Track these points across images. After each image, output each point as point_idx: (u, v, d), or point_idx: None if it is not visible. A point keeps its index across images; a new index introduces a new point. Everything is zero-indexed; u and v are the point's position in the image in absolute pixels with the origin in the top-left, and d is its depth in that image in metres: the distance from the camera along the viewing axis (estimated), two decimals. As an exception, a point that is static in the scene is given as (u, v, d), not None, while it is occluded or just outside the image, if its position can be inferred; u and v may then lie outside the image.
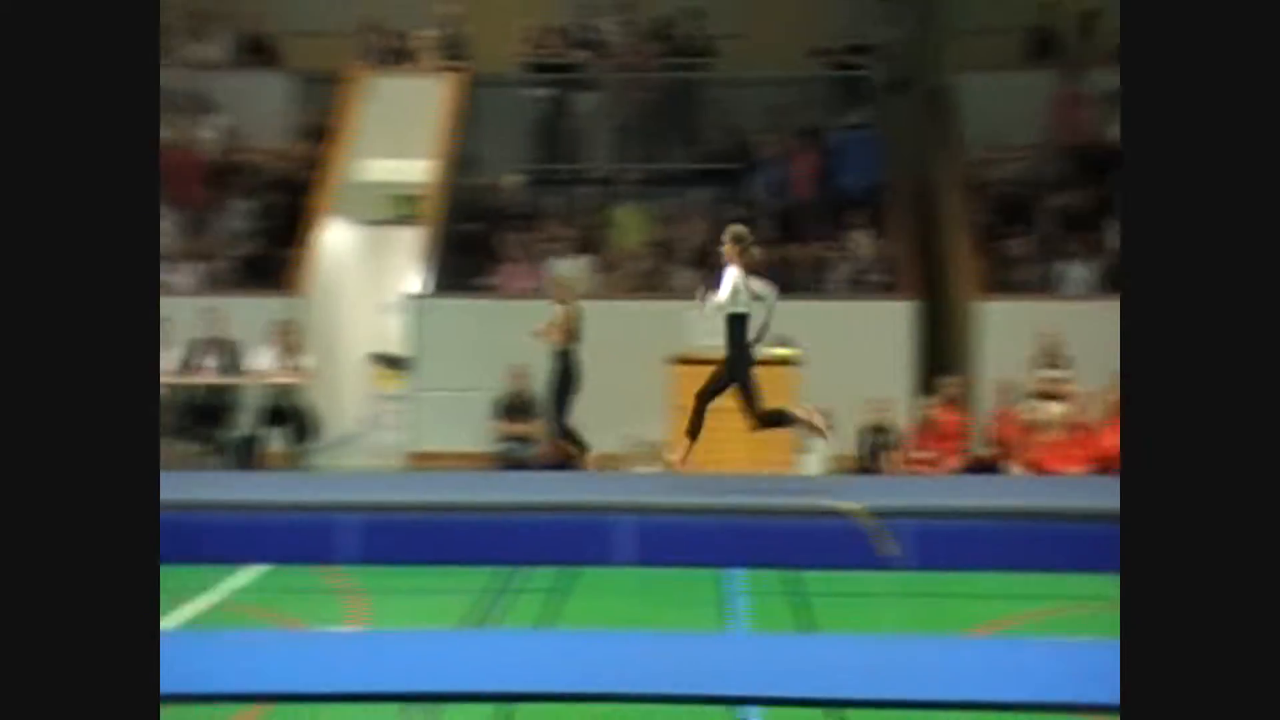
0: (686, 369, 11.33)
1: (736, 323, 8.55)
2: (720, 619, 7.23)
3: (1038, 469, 11.15)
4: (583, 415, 10.56)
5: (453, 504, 8.80)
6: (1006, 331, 12.42)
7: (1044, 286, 13.16)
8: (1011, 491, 9.36)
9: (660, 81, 15.34)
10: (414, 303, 13.07)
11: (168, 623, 6.97)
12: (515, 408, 12.20)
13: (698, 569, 8.08)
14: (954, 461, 11.36)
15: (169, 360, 12.03)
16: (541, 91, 15.31)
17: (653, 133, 15.32)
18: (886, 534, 7.85)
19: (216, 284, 13.26)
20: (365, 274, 15.42)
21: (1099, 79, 14.01)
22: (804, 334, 11.50)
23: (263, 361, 12.09)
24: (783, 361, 11.15)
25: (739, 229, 8.73)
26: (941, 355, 13.22)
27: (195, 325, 12.20)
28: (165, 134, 14.62)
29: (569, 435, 10.78)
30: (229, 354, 12.20)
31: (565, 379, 10.96)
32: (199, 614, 7.25)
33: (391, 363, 14.20)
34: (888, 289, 13.29)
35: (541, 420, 11.88)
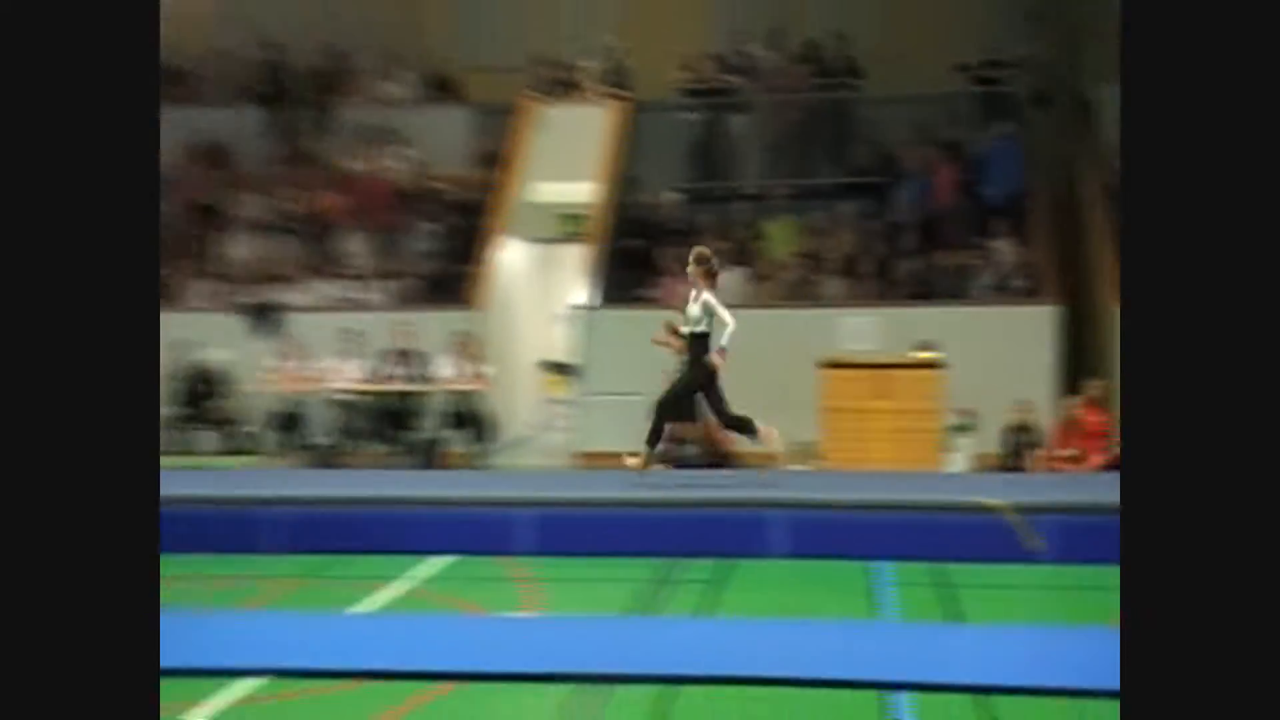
0: (836, 372, 11.27)
1: (698, 341, 8.61)
2: (870, 609, 7.16)
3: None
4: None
5: (618, 500, 8.92)
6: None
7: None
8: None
9: (809, 101, 15.28)
10: (581, 314, 13.25)
11: (365, 606, 7.22)
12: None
13: (848, 562, 8.02)
14: (1096, 460, 11.04)
15: (363, 370, 12.44)
16: (697, 115, 15.39)
17: (802, 150, 15.27)
18: (1031, 529, 7.69)
19: (405, 300, 13.66)
20: (537, 288, 15.70)
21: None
22: (949, 338, 11.32)
23: (446, 370, 12.40)
24: (928, 365, 10.99)
25: (702, 250, 8.83)
26: (1084, 358, 12.86)
27: (386, 338, 12.58)
28: (359, 165, 15.19)
29: (737, 424, 10.97)
30: (416, 363, 12.55)
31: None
32: (393, 599, 7.45)
33: (561, 370, 14.42)
34: (1031, 294, 12.98)
35: (697, 423, 11.96)
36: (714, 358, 8.68)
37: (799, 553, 8.23)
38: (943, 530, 8.08)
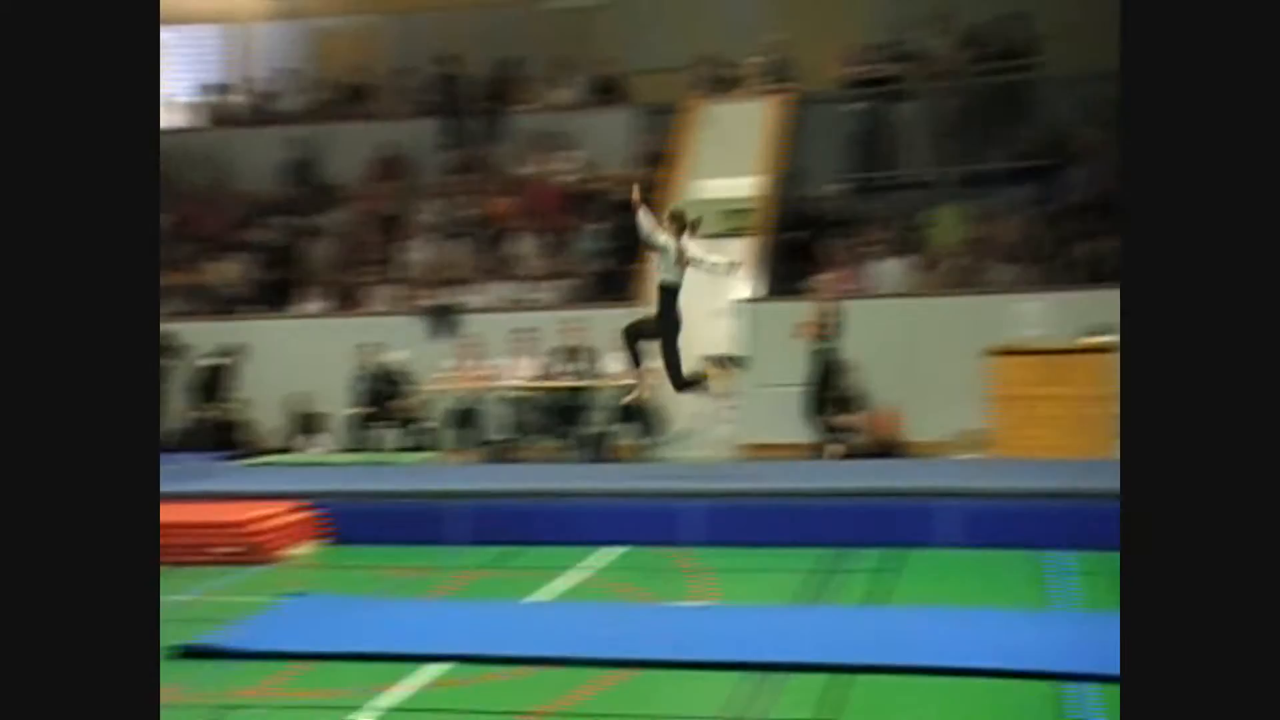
0: (1005, 359, 11.02)
1: (666, 293, 8.85)
2: (1042, 599, 6.99)
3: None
4: (905, 405, 10.41)
5: (785, 490, 8.91)
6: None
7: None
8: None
9: (976, 86, 14.93)
10: (746, 307, 13.24)
11: (542, 594, 7.38)
12: (841, 400, 12.20)
13: (1020, 551, 7.84)
14: None
15: (535, 367, 12.69)
16: (861, 105, 15.20)
17: (969, 135, 14.93)
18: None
19: (574, 299, 13.87)
20: (702, 282, 15.71)
21: None
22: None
23: (614, 366, 12.55)
24: (1101, 350, 10.64)
25: (677, 209, 9.14)
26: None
27: (557, 336, 12.81)
28: (530, 169, 15.50)
29: (834, 430, 11.18)
30: (585, 360, 12.74)
31: (826, 374, 11.22)
32: (570, 588, 7.60)
33: (726, 362, 14.41)
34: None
35: (853, 413, 11.93)
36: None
37: (970, 542, 8.08)
38: (1116, 519, 7.82)
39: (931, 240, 13.92)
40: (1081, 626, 6.24)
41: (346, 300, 14.63)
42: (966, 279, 13.30)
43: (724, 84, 15.62)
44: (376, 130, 16.33)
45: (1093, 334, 11.11)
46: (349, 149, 16.29)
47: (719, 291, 15.16)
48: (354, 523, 9.21)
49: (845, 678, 5.42)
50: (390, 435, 13.12)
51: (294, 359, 13.71)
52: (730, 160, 14.73)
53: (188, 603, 7.48)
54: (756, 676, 5.48)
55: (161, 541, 8.73)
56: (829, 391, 11.65)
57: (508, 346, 12.87)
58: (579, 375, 12.69)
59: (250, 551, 8.46)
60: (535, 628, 6.56)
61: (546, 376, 12.72)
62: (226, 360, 13.57)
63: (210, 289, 14.95)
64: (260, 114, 17.26)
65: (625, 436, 12.65)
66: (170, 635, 6.30)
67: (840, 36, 15.69)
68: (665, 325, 8.92)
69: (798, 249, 14.03)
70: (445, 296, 14.02)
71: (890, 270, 13.42)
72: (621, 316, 13.00)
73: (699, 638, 6.10)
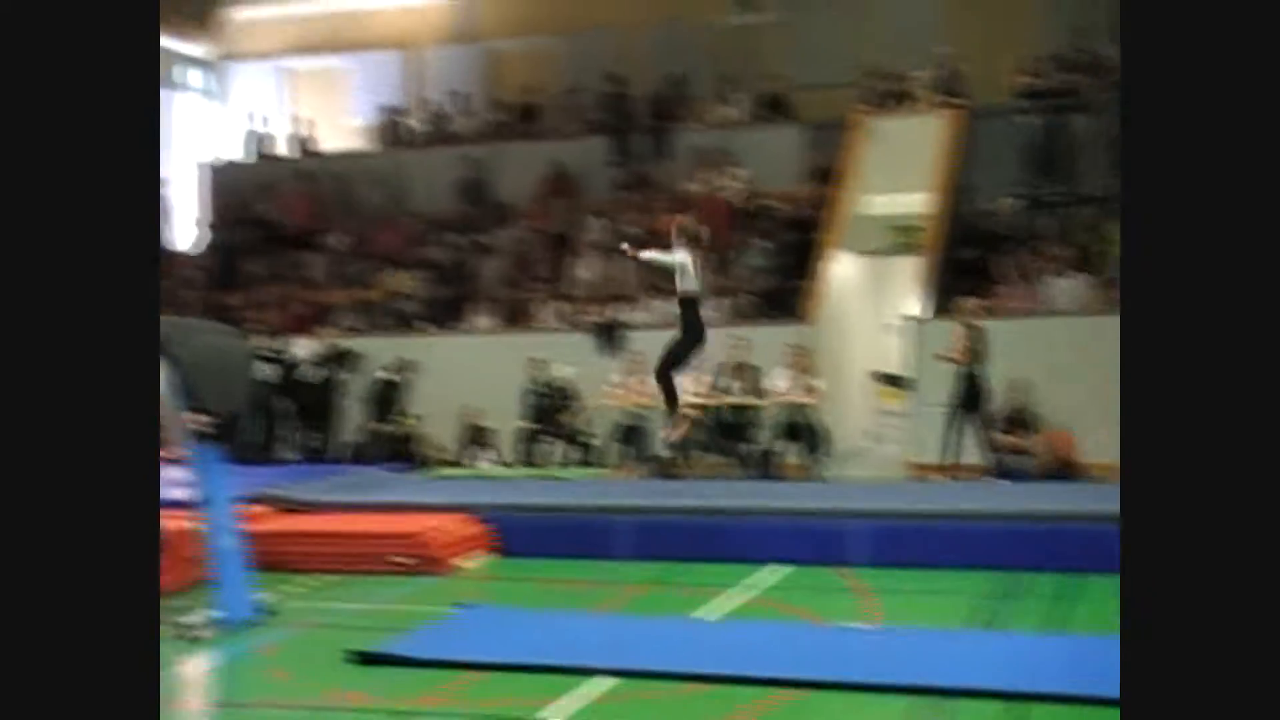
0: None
1: (688, 304, 8.78)
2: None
3: None
4: (1080, 426, 10.10)
5: (956, 512, 8.72)
6: None
7: None
8: None
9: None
10: (914, 325, 13.04)
11: (707, 613, 7.39)
12: (1015, 420, 11.89)
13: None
14: None
15: (701, 384, 12.70)
16: (1036, 117, 14.81)
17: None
18: None
19: (739, 316, 13.87)
20: (868, 300, 15.57)
21: None
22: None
23: (779, 383, 12.50)
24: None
25: (683, 222, 9.03)
26: None
27: (722, 353, 12.81)
28: (696, 186, 15.57)
29: (994, 447, 10.95)
30: (750, 377, 12.71)
31: (972, 395, 11.00)
32: (735, 607, 7.60)
33: (894, 381, 14.22)
34: None
35: (1034, 434, 11.65)
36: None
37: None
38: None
39: (1108, 257, 13.45)
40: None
41: (516, 316, 14.93)
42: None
43: (892, 98, 15.43)
44: (546, 149, 16.65)
45: None
46: (519, 168, 16.64)
47: (887, 309, 14.99)
48: (521, 536, 9.38)
49: (1021, 706, 5.28)
50: (557, 450, 13.31)
51: (465, 374, 14.04)
52: (899, 176, 14.53)
53: (365, 610, 7.74)
54: (928, 701, 5.39)
55: (340, 550, 9.10)
56: (972, 414, 11.48)
57: (673, 363, 12.92)
58: (744, 392, 12.67)
59: (424, 562, 8.69)
60: (702, 644, 6.58)
61: (712, 394, 12.73)
62: (401, 375, 13.98)
63: (386, 305, 15.44)
64: (435, 135, 17.78)
65: (791, 455, 12.58)
66: (349, 641, 6.53)
67: (1013, 47, 15.33)
68: (689, 336, 8.96)
69: (968, 266, 13.74)
70: (612, 313, 14.18)
71: (1065, 288, 13.04)
72: (787, 334, 13.00)
73: (867, 660, 6.02)
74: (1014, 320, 12.50)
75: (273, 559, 8.34)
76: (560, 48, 18.17)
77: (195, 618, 7.03)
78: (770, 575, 8.39)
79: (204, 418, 7.40)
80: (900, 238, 15.25)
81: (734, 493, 10.45)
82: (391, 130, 18.08)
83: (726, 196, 15.38)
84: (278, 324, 14.85)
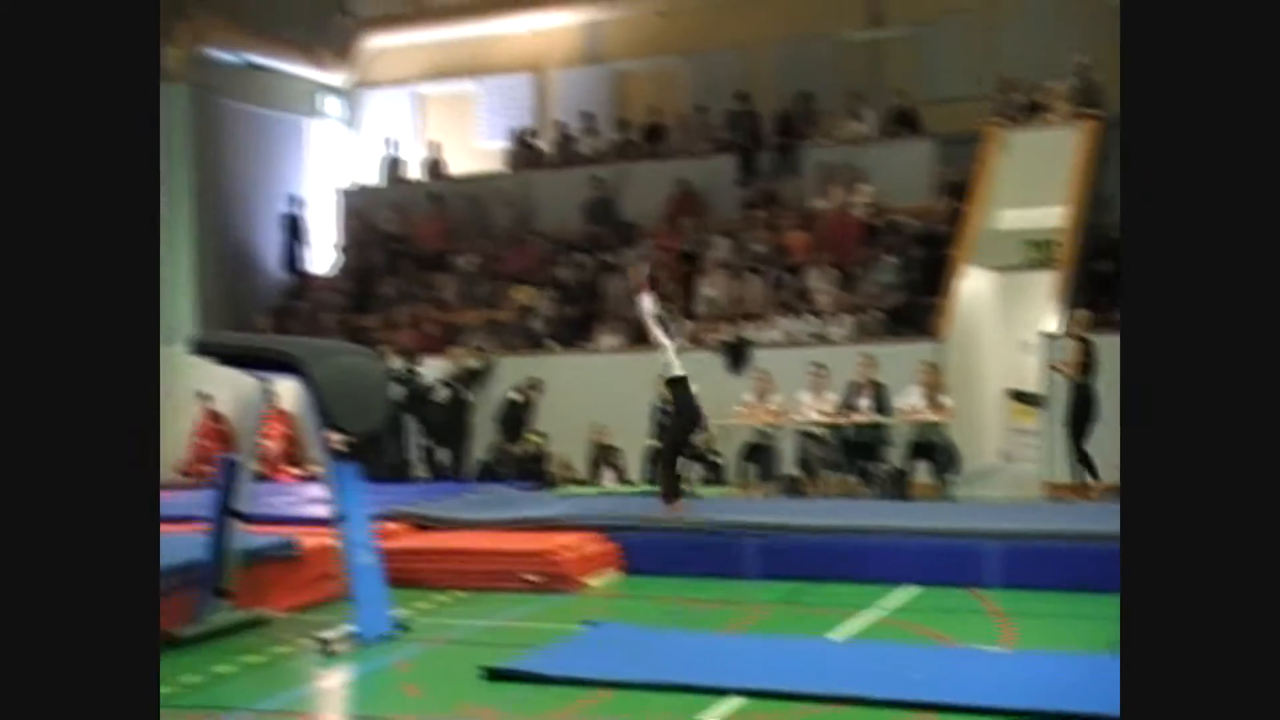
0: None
1: (677, 384, 8.94)
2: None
3: None
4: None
5: (1091, 533, 8.53)
6: None
7: None
8: None
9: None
10: (1048, 342, 12.79)
11: (837, 633, 7.36)
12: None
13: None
14: None
15: (829, 402, 12.66)
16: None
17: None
18: None
19: (868, 333, 13.78)
20: (1000, 317, 15.32)
21: None
22: None
23: (909, 401, 12.38)
24: None
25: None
26: None
27: (851, 370, 12.75)
28: (824, 203, 15.54)
29: (1086, 463, 10.55)
30: (879, 395, 12.61)
31: (1081, 410, 10.77)
32: (865, 627, 7.56)
33: (1027, 399, 13.96)
34: None
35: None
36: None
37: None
38: None
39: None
40: None
41: (642, 335, 15.04)
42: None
43: (1025, 111, 15.18)
44: (673, 168, 16.78)
45: None
46: (647, 187, 16.80)
47: (1021, 326, 14.73)
48: (649, 554, 9.46)
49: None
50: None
51: (592, 392, 14.22)
52: (1033, 189, 14.28)
53: (495, 627, 7.89)
54: (1063, 729, 5.30)
55: (472, 567, 9.30)
56: (1085, 429, 11.35)
57: (801, 381, 12.90)
58: (873, 411, 12.58)
59: (554, 580, 8.82)
60: (832, 665, 6.56)
61: (840, 412, 12.67)
62: (529, 394, 14.21)
63: (514, 325, 15.71)
64: (563, 156, 18.06)
65: (921, 474, 12.44)
66: (480, 657, 6.69)
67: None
68: (683, 418, 8.91)
69: (1106, 280, 13.43)
70: (739, 331, 14.21)
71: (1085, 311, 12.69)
72: (917, 351, 12.87)
73: (1000, 683, 5.94)
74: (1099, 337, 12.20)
75: (405, 575, 8.57)
76: (686, 67, 18.32)
77: (333, 632, 7.26)
78: (901, 596, 8.32)
79: (341, 436, 7.66)
80: (1034, 252, 14.97)
81: (863, 512, 10.38)
82: (521, 152, 18.42)
83: (855, 213, 15.30)
84: (409, 344, 15.22)
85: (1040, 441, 12.86)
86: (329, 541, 8.38)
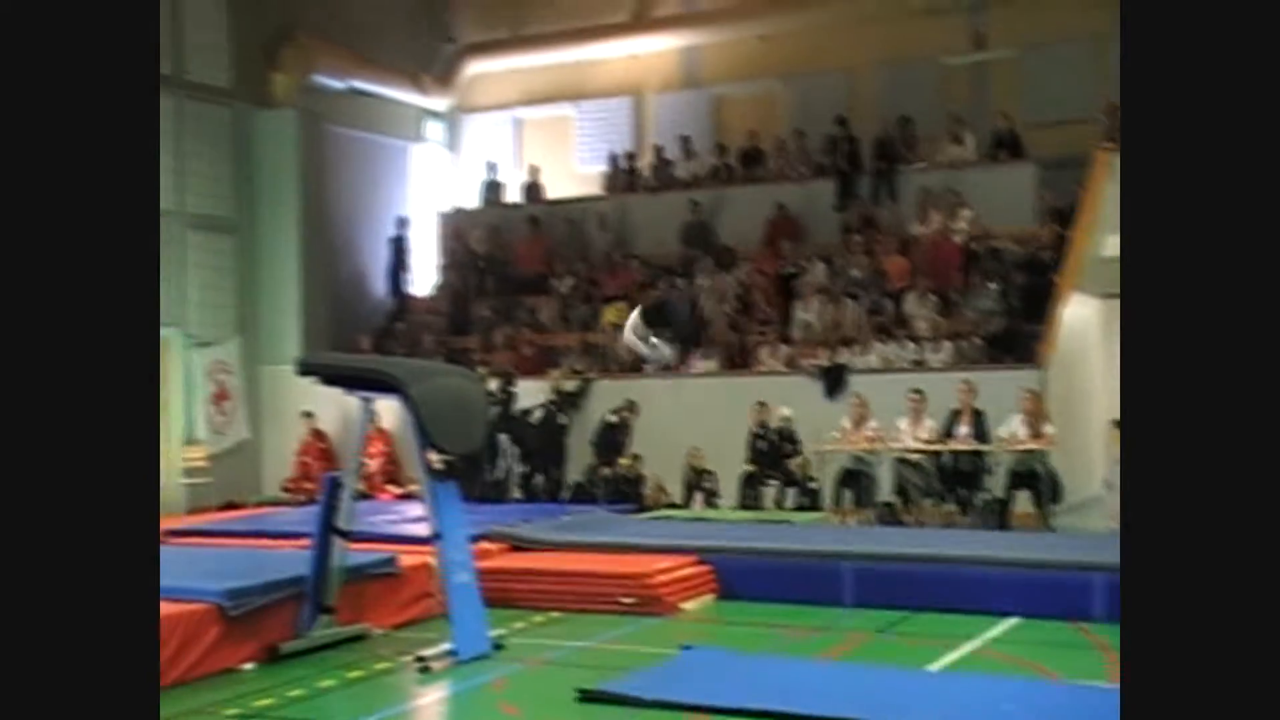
0: None
1: None
2: None
3: None
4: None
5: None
6: None
7: None
8: None
9: None
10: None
11: (934, 664, 7.29)
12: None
13: None
14: None
15: (928, 429, 12.53)
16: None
17: None
18: None
19: (968, 359, 13.62)
20: (1106, 344, 15.02)
21: None
22: None
23: (1011, 429, 12.20)
24: None
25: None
26: None
27: (950, 397, 12.61)
28: (924, 228, 15.43)
29: None
30: (979, 422, 12.46)
31: None
32: (963, 658, 7.47)
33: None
34: None
35: None
36: None
37: None
38: None
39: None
40: None
41: (739, 359, 15.07)
42: None
43: (1133, 134, 14.91)
44: (771, 192, 16.80)
45: None
46: (744, 211, 16.83)
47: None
48: (743, 578, 9.45)
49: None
50: (780, 493, 13.34)
51: (688, 416, 14.26)
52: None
53: (589, 649, 7.95)
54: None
55: (567, 589, 9.39)
56: None
57: (899, 408, 12.81)
58: (973, 438, 12.42)
59: (649, 603, 8.86)
60: (929, 697, 6.50)
61: (939, 439, 12.53)
62: (626, 416, 14.29)
63: (611, 347, 15.82)
64: (661, 180, 18.17)
65: (1022, 503, 12.24)
66: (575, 678, 6.75)
67: None
68: None
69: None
70: (837, 356, 14.15)
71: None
72: (1019, 378, 12.69)
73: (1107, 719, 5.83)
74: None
75: (501, 595, 8.68)
76: (785, 91, 18.34)
77: (431, 650, 7.38)
78: (1001, 627, 8.21)
79: (440, 456, 7.79)
80: (1140, 279, 14.68)
81: (963, 541, 10.25)
82: (618, 175, 18.58)
83: (955, 238, 15.16)
84: (506, 366, 15.40)
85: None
86: (428, 560, 8.53)
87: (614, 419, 14.28)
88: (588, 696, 6.44)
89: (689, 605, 9.08)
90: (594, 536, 10.47)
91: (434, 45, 19.93)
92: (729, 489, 13.55)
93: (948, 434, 12.49)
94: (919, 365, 13.85)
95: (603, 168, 18.85)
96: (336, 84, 17.81)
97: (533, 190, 18.95)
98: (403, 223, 18.27)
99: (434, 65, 19.72)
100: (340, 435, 15.20)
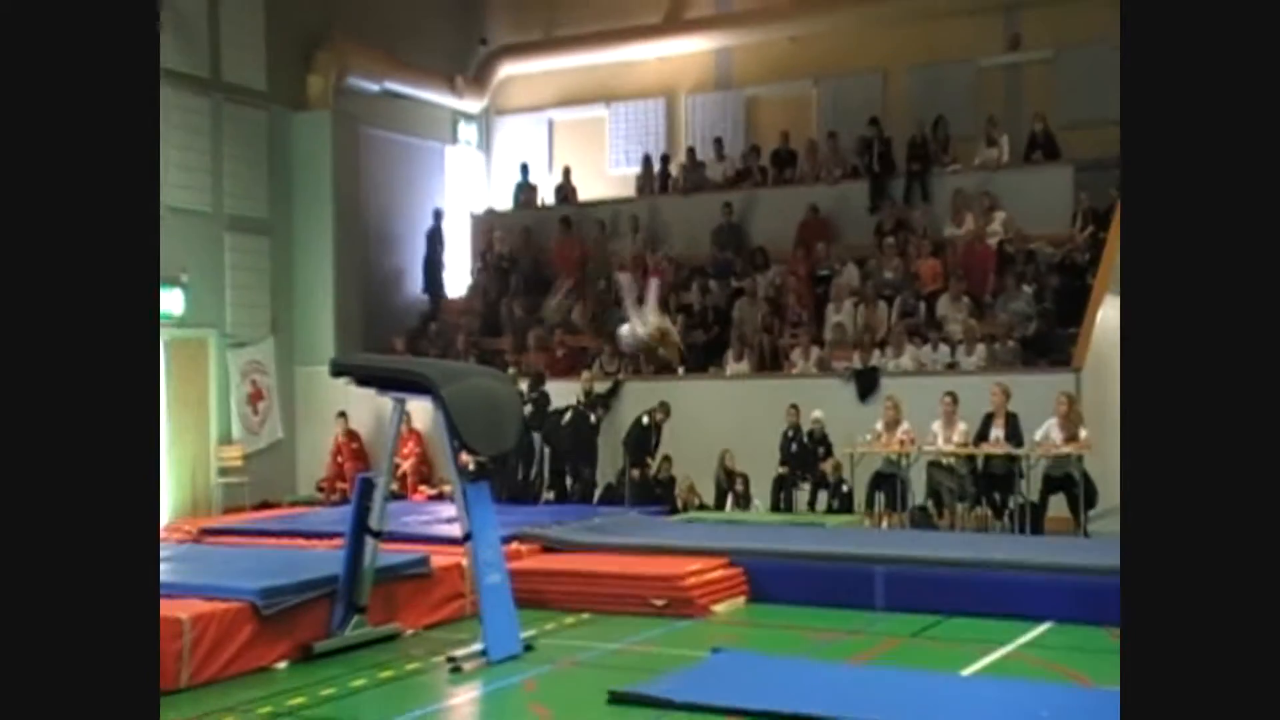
0: None
1: None
2: None
3: None
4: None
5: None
6: None
7: None
8: None
9: None
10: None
11: (967, 668, 7.25)
12: None
13: None
14: None
15: (960, 433, 12.45)
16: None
17: None
18: None
19: (1002, 362, 13.54)
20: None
21: None
22: None
23: (1045, 433, 12.12)
24: None
25: None
26: None
27: (984, 400, 12.54)
28: (957, 230, 15.36)
29: None
30: (1013, 426, 12.38)
31: None
32: (992, 663, 7.44)
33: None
34: None
35: None
36: None
37: None
38: None
39: None
40: None
41: (771, 361, 15.04)
42: None
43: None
44: (803, 194, 16.76)
45: None
46: (776, 213, 16.81)
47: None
48: (774, 581, 9.44)
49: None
50: (812, 496, 13.31)
51: (720, 418, 14.25)
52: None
53: (619, 650, 7.96)
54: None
55: (598, 590, 9.40)
56: None
57: (932, 411, 12.75)
58: (1007, 442, 12.34)
59: (680, 605, 8.86)
60: (961, 701, 6.48)
61: (972, 443, 12.46)
62: (658, 417, 14.29)
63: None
64: (693, 181, 18.16)
65: (1056, 507, 12.15)
66: (605, 679, 6.76)
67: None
68: None
69: None
70: (869, 359, 14.11)
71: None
72: (1053, 382, 12.61)
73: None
74: None
75: (533, 596, 8.71)
76: (817, 92, 18.31)
77: (463, 650, 7.41)
78: (1034, 632, 8.17)
79: (473, 457, 7.83)
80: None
81: (997, 545, 10.20)
82: (650, 177, 18.59)
83: (989, 240, 15.08)
84: (538, 366, 15.44)
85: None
86: (460, 560, 8.57)
87: (646, 420, 14.28)
88: (618, 698, 6.46)
89: (720, 608, 9.08)
90: (625, 538, 10.48)
91: (467, 47, 20.01)
92: (761, 491, 13.53)
93: (981, 437, 12.41)
94: (952, 368, 13.79)
95: (635, 169, 18.87)
96: (371, 86, 17.92)
97: (565, 192, 18.99)
98: (439, 215, 18.36)
99: (467, 67, 19.81)
100: (373, 435, 15.29)
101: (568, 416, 14.69)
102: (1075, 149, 15.63)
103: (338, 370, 8.84)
